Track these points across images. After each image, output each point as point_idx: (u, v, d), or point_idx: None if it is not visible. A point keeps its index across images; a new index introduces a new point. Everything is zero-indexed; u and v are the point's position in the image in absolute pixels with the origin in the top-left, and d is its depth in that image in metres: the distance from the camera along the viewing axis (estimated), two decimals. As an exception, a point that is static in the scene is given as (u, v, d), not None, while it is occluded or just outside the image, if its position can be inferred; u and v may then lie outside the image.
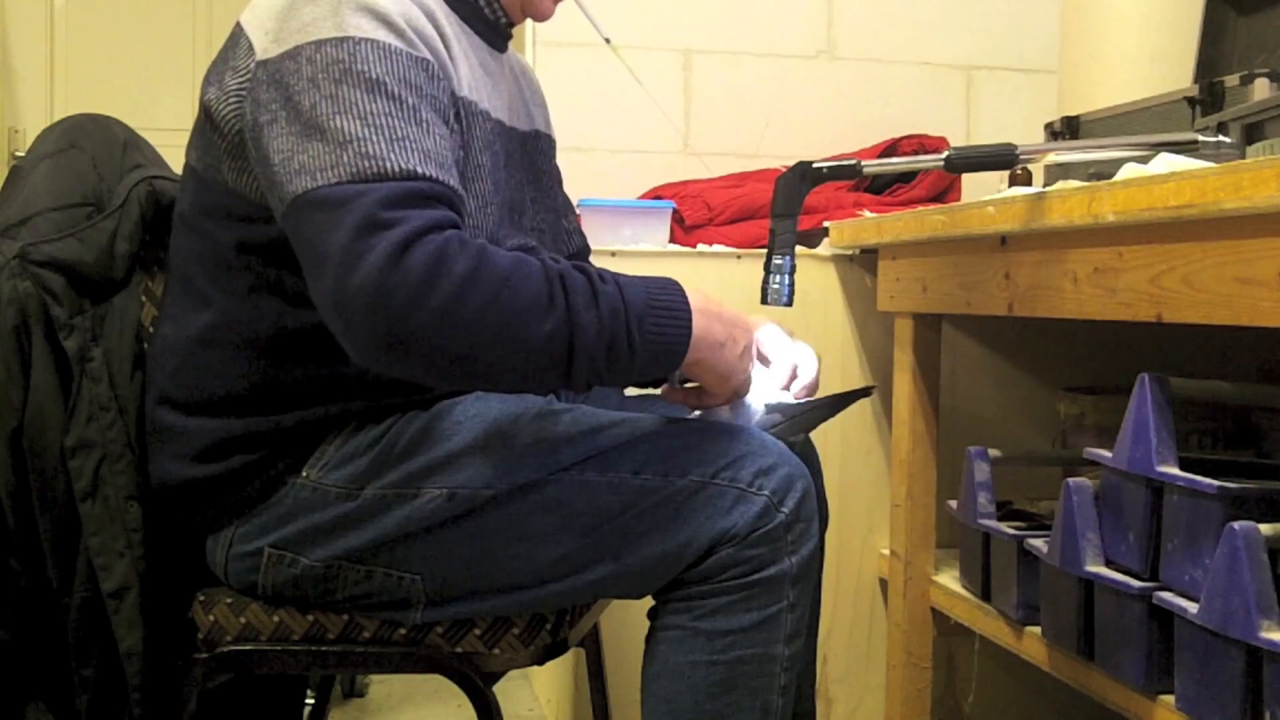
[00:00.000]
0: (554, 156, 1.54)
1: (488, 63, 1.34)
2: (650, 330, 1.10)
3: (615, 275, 1.12)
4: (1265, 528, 1.14)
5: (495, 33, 1.36)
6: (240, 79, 1.15)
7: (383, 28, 1.12)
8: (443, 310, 1.01)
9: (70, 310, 1.25)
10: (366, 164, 1.05)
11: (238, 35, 1.18)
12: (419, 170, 1.07)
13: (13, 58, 3.63)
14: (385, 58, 1.11)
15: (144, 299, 1.37)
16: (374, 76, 1.09)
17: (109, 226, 1.31)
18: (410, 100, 1.11)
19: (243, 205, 1.18)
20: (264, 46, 1.14)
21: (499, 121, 1.34)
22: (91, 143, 1.39)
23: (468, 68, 1.26)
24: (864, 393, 1.35)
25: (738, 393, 1.22)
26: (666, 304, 1.12)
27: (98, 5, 3.68)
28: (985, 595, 1.68)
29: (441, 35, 1.20)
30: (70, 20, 3.67)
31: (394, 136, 1.07)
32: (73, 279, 1.27)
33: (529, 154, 1.43)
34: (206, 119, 1.19)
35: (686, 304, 1.13)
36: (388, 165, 1.05)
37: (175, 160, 1.50)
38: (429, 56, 1.16)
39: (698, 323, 1.13)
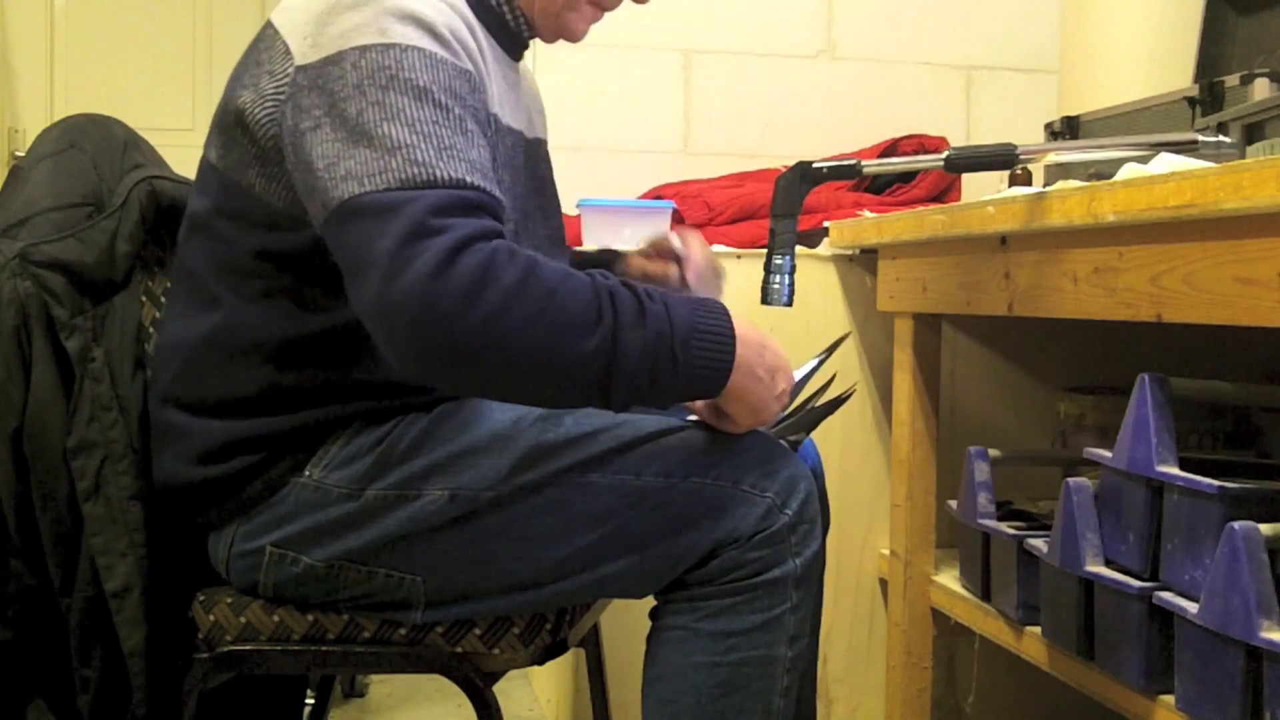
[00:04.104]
0: (548, 157, 1.53)
1: (509, 74, 1.33)
2: (695, 354, 1.09)
3: (663, 294, 1.10)
4: (1265, 528, 1.14)
5: (515, 43, 1.35)
6: (277, 83, 1.13)
7: (427, 36, 1.11)
8: (488, 320, 1.00)
9: (71, 310, 1.25)
10: (415, 171, 1.04)
11: (272, 37, 1.17)
12: (467, 179, 1.06)
13: (13, 58, 3.63)
14: (431, 66, 1.10)
15: (144, 299, 1.37)
16: (421, 84, 1.08)
17: (109, 227, 1.31)
18: (456, 110, 1.10)
19: (266, 212, 1.17)
20: (302, 51, 1.12)
21: (519, 134, 1.34)
22: (91, 143, 1.39)
23: (494, 80, 1.25)
24: (839, 342, 1.41)
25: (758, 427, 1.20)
26: (712, 329, 1.10)
27: (98, 5, 3.68)
28: (985, 595, 1.68)
29: (479, 47, 1.20)
30: (70, 20, 3.67)
31: (442, 145, 1.06)
32: (73, 279, 1.27)
33: (534, 162, 1.43)
34: (237, 123, 1.17)
35: (732, 330, 1.12)
36: (437, 173, 1.05)
37: (175, 160, 1.50)
38: (470, 68, 1.15)
39: (740, 352, 1.11)
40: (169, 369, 1.24)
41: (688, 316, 1.09)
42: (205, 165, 1.24)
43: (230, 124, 1.18)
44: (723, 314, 1.12)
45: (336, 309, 1.17)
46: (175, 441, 1.23)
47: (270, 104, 1.14)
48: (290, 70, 1.12)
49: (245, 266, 1.20)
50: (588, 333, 1.04)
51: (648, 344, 1.06)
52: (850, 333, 1.42)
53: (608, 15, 1.36)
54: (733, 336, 1.11)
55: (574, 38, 1.35)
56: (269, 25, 1.18)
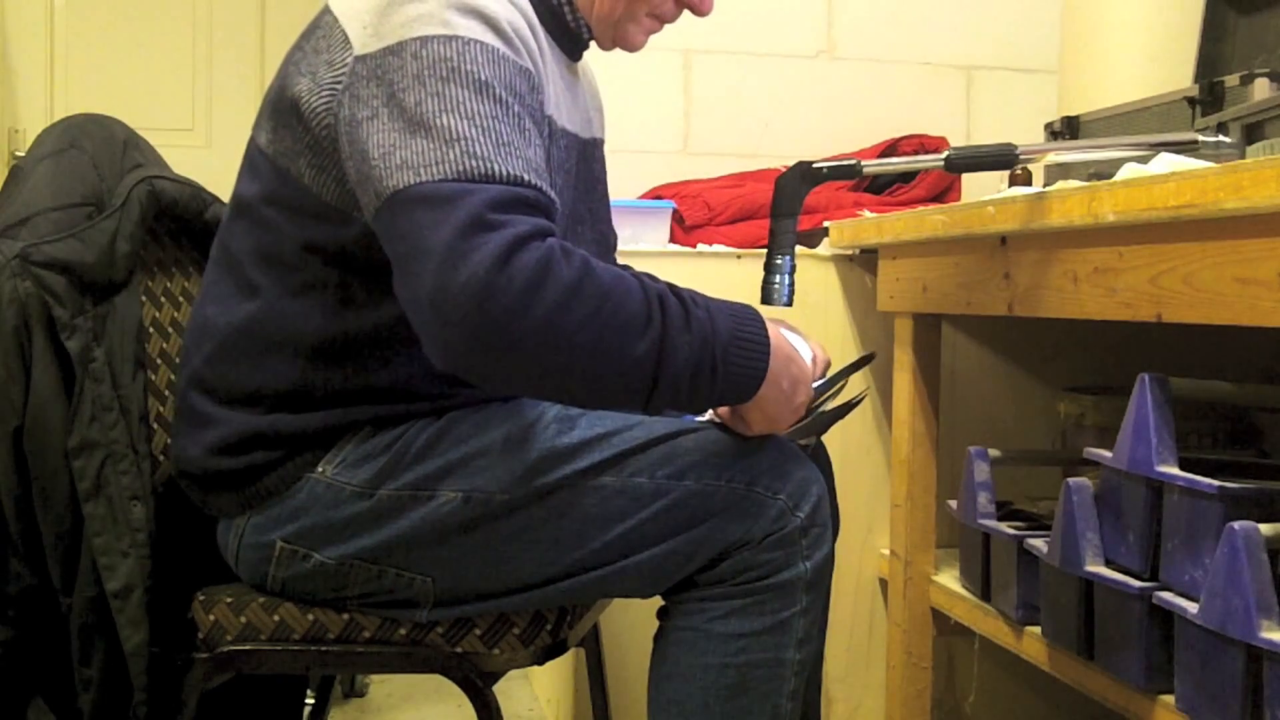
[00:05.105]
0: (603, 157, 1.52)
1: (566, 75, 1.33)
2: (733, 361, 1.09)
3: (706, 300, 1.11)
4: (1265, 528, 1.14)
5: (575, 44, 1.34)
6: (336, 73, 1.12)
7: (490, 31, 1.11)
8: (546, 318, 1.00)
9: (72, 311, 1.25)
10: (474, 164, 1.03)
11: (330, 25, 1.15)
12: (524, 177, 1.05)
13: (13, 58, 3.63)
14: (493, 61, 1.09)
15: (144, 299, 1.37)
16: (482, 78, 1.07)
17: (109, 227, 1.31)
18: (515, 107, 1.09)
19: (315, 204, 1.16)
20: (362, 41, 1.11)
21: (574, 135, 1.34)
22: (91, 143, 1.39)
23: (552, 81, 1.25)
24: (865, 361, 1.37)
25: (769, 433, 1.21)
26: (750, 336, 1.11)
27: (98, 5, 3.68)
28: (985, 595, 1.68)
29: (539, 48, 1.19)
30: (70, 20, 3.66)
31: (500, 141, 1.06)
32: (74, 279, 1.27)
33: (587, 162, 1.42)
34: (293, 110, 1.16)
35: (767, 339, 1.12)
36: (495, 168, 1.04)
37: (175, 160, 1.50)
38: (530, 66, 1.14)
39: (770, 362, 1.12)
40: (199, 353, 1.23)
41: (729, 324, 1.10)
42: (254, 149, 1.23)
43: (285, 110, 1.17)
44: (759, 322, 1.13)
45: (375, 309, 1.17)
46: (196, 427, 1.23)
47: (327, 93, 1.12)
48: (349, 60, 1.11)
49: (289, 258, 1.19)
50: (639, 336, 1.04)
51: (693, 350, 1.06)
52: (874, 354, 1.40)
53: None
54: (768, 345, 1.12)
55: (631, 48, 1.34)
56: (327, 12, 1.17)
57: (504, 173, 1.04)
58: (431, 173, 1.03)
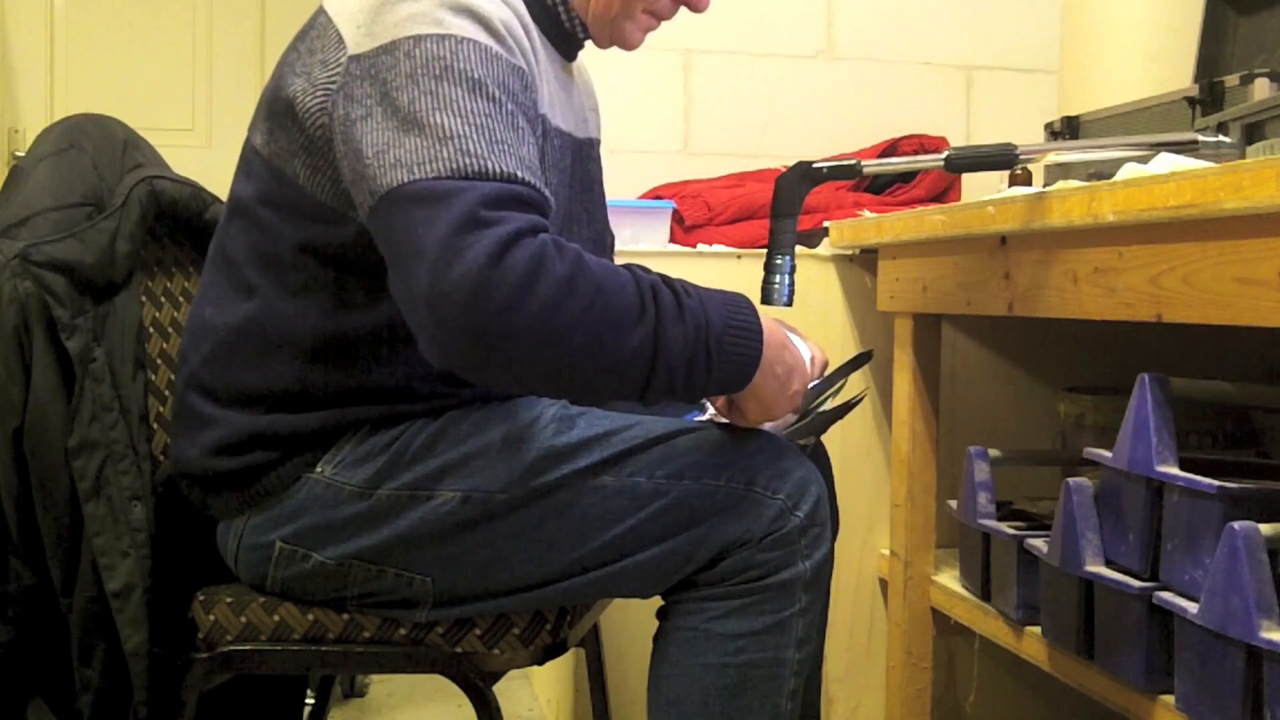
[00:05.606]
0: (599, 157, 1.53)
1: (561, 75, 1.33)
2: (727, 350, 1.10)
3: (698, 289, 1.11)
4: (1265, 528, 1.14)
5: (570, 43, 1.35)
6: (330, 73, 1.12)
7: (483, 30, 1.11)
8: (541, 313, 1.00)
9: (72, 311, 1.25)
10: (467, 161, 1.04)
11: (324, 25, 1.16)
12: (517, 174, 1.05)
13: (13, 58, 3.63)
14: (486, 60, 1.09)
15: (144, 299, 1.37)
16: (476, 77, 1.08)
17: (109, 227, 1.31)
18: (508, 105, 1.10)
19: (311, 204, 1.17)
20: (356, 40, 1.11)
21: (569, 135, 1.34)
22: (91, 143, 1.39)
23: (546, 81, 1.25)
24: (863, 359, 1.36)
25: (765, 424, 1.21)
26: (743, 324, 1.11)
27: (98, 5, 3.68)
28: (985, 595, 1.68)
29: (532, 47, 1.19)
30: (70, 20, 3.66)
31: (493, 139, 1.06)
32: (74, 279, 1.27)
33: (583, 162, 1.42)
34: (288, 111, 1.16)
35: (760, 326, 1.13)
36: (488, 165, 1.04)
37: (175, 160, 1.50)
38: (523, 65, 1.15)
39: (763, 350, 1.13)
40: (197, 353, 1.23)
41: (721, 312, 1.10)
42: (249, 150, 1.23)
43: (280, 111, 1.17)
44: (750, 310, 1.13)
45: (372, 309, 1.17)
46: (196, 428, 1.23)
47: (322, 94, 1.13)
48: (343, 60, 1.12)
49: (286, 259, 1.19)
50: (633, 328, 1.04)
51: (687, 340, 1.07)
52: (871, 352, 1.40)
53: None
54: (760, 332, 1.12)
55: (629, 47, 1.34)
56: (321, 13, 1.17)
57: (497, 170, 1.04)
58: (425, 170, 1.03)
